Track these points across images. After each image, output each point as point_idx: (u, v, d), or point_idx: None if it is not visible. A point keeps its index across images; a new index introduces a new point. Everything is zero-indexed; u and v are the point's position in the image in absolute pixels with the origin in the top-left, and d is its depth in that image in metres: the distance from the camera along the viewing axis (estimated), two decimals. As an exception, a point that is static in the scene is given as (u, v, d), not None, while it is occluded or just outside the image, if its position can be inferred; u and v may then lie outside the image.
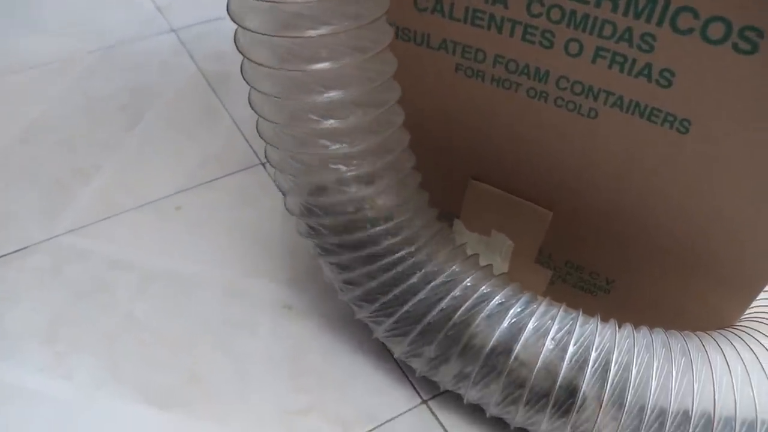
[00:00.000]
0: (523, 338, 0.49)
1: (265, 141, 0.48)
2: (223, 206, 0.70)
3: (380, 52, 0.44)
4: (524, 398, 0.50)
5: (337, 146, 0.46)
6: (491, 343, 0.48)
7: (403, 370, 0.58)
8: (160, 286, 0.63)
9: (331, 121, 0.44)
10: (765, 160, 0.46)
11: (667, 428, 0.49)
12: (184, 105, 0.81)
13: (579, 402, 0.49)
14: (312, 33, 0.39)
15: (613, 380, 0.49)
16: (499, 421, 0.55)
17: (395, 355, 0.54)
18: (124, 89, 0.83)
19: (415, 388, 0.57)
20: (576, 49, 0.48)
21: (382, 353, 0.59)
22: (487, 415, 0.53)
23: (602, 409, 0.49)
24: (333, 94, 0.43)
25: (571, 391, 0.49)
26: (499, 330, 0.48)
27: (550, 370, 0.49)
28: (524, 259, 0.62)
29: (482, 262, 0.55)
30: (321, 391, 0.57)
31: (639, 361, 0.50)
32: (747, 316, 0.57)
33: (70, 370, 0.57)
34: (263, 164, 0.74)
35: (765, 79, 0.43)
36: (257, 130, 0.47)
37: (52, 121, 0.78)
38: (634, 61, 0.46)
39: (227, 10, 0.41)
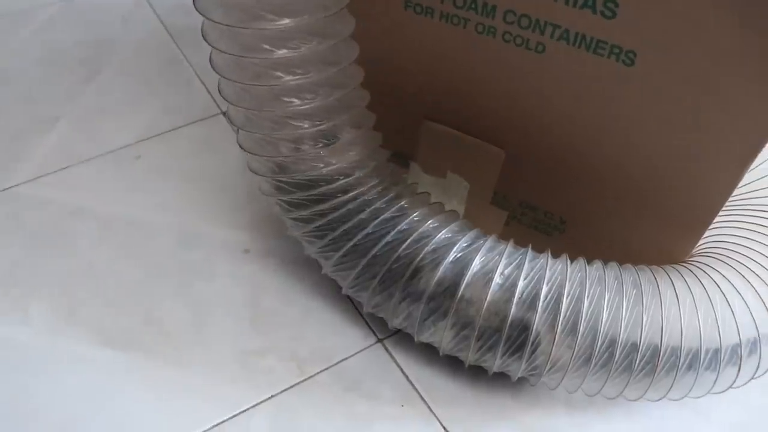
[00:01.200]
0: (469, 275, 0.49)
1: (219, 74, 0.47)
2: (183, 155, 0.70)
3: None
4: (474, 337, 0.51)
5: (290, 77, 0.45)
6: (436, 278, 0.49)
7: (358, 310, 0.59)
8: (119, 234, 0.63)
9: (284, 51, 0.44)
10: (710, 92, 0.47)
11: (616, 357, 0.50)
12: (146, 57, 0.80)
13: (532, 337, 0.50)
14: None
15: (566, 313, 0.49)
16: (454, 359, 0.56)
17: (343, 291, 0.55)
18: (84, 42, 0.82)
19: (370, 328, 0.58)
20: (519, -20, 0.47)
21: (338, 294, 0.59)
22: (440, 353, 0.54)
23: (556, 341, 0.50)
24: (285, 22, 0.43)
25: (522, 327, 0.50)
26: (444, 265, 0.49)
27: (500, 308, 0.49)
28: (480, 200, 0.62)
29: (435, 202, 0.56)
30: (277, 332, 0.57)
31: (591, 292, 0.50)
32: (698, 250, 0.58)
33: (28, 314, 0.57)
34: (224, 113, 0.74)
35: (708, 9, 0.43)
36: (211, 64, 0.46)
37: (11, 72, 0.78)
38: (578, -9, 0.46)
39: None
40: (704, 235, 0.58)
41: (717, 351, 0.50)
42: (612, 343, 0.50)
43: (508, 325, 0.50)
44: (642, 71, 0.48)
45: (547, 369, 0.51)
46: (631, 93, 0.49)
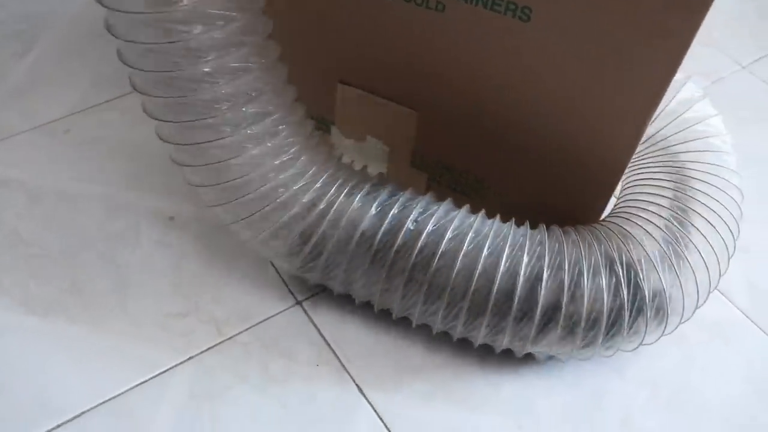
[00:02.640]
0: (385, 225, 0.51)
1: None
2: (112, 127, 0.71)
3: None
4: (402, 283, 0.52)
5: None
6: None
7: (279, 273, 0.60)
8: (46, 205, 0.64)
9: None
10: (605, 45, 0.47)
11: (513, 312, 0.51)
12: (80, 30, 0.80)
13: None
14: None
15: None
16: (369, 320, 0.58)
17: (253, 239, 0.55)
18: (18, 15, 0.82)
19: (289, 290, 0.59)
20: (413, -62, 0.48)
21: (259, 258, 0.61)
22: (376, 310, 0.56)
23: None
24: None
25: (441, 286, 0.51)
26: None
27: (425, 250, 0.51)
28: (400, 163, 0.63)
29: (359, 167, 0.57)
30: (199, 295, 0.59)
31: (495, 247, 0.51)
32: (615, 209, 0.59)
33: (-48, 285, 0.58)
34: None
35: None
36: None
37: (-55, 49, 0.78)
38: (469, -51, 0.46)
39: None
40: (623, 195, 0.59)
41: (621, 310, 0.52)
42: (509, 297, 0.51)
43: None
44: (538, 26, 0.48)
45: (463, 322, 0.52)
46: (530, 48, 0.50)
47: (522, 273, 0.51)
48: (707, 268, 0.54)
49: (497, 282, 0.50)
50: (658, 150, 0.59)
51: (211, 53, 0.45)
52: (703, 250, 0.54)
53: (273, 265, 0.60)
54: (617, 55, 0.47)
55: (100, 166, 0.67)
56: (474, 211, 0.55)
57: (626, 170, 0.61)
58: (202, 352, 0.55)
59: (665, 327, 0.54)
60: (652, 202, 0.56)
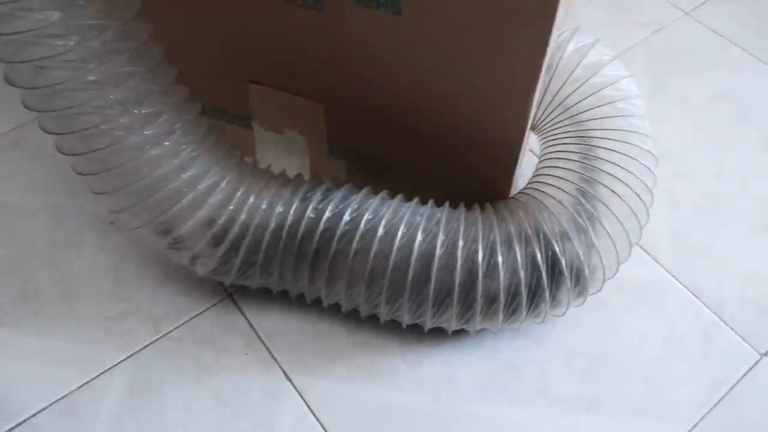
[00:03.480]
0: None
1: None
2: (57, 135, 0.74)
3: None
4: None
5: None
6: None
7: (211, 269, 0.64)
8: (-4, 218, 0.68)
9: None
10: (477, 32, 0.48)
11: (407, 287, 0.53)
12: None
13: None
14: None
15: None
16: (298, 308, 0.61)
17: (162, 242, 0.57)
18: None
19: (221, 284, 0.63)
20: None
21: (193, 255, 0.64)
22: (292, 299, 0.59)
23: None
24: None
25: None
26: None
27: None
28: (318, 152, 0.64)
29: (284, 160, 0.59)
30: (139, 296, 0.62)
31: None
32: (528, 185, 0.60)
33: None
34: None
35: None
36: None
37: None
38: (333, -51, 0.47)
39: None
40: (538, 167, 0.60)
41: (539, 281, 0.53)
42: (426, 279, 0.53)
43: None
44: (410, 18, 0.49)
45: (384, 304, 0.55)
46: (406, 39, 0.51)
47: (414, 250, 0.53)
48: (617, 238, 0.55)
49: (412, 264, 0.52)
50: (566, 119, 0.59)
51: (93, 62, 0.46)
52: (610, 222, 0.55)
53: (205, 261, 0.64)
54: (488, 35, 0.48)
55: (45, 176, 0.70)
56: (390, 194, 0.57)
57: (541, 142, 0.62)
58: (140, 350, 0.59)
59: (585, 294, 0.56)
60: (560, 177, 0.57)
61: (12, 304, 0.62)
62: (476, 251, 0.53)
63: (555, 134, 0.60)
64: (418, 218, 0.54)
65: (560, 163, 0.58)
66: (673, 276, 0.63)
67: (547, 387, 0.57)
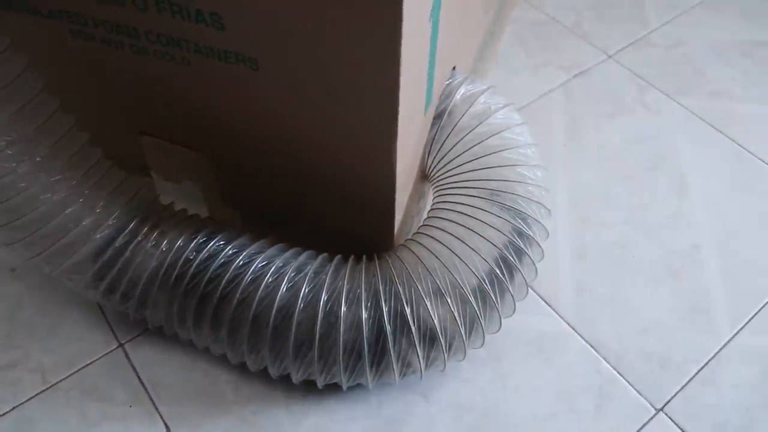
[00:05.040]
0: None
1: None
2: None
3: None
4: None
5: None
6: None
7: (105, 316, 0.63)
8: None
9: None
10: (328, 84, 0.48)
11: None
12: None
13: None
14: None
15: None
16: (189, 358, 0.60)
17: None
18: None
19: (113, 333, 0.62)
20: (141, 4, 0.49)
21: (90, 303, 0.64)
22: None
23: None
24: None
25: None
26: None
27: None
28: (213, 202, 0.64)
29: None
30: (29, 344, 0.62)
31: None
32: (405, 242, 0.59)
33: None
34: None
35: (303, 21, 0.44)
36: None
37: None
38: (187, 8, 0.47)
39: None
40: (423, 223, 0.59)
41: (384, 341, 0.52)
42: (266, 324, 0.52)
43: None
44: (268, 72, 0.49)
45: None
46: (266, 91, 0.51)
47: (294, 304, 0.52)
48: (485, 307, 0.54)
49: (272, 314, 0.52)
50: (452, 169, 0.58)
51: None
52: (484, 283, 0.54)
53: (101, 309, 0.63)
54: (340, 88, 0.48)
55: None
56: (271, 242, 0.56)
57: (433, 193, 0.61)
58: (25, 402, 0.59)
59: (446, 356, 0.55)
60: (441, 229, 0.56)
61: None
62: (317, 307, 0.52)
63: (443, 185, 0.59)
64: (287, 269, 0.53)
65: (443, 214, 0.57)
66: (572, 328, 0.62)
67: (430, 445, 0.56)
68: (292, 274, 0.53)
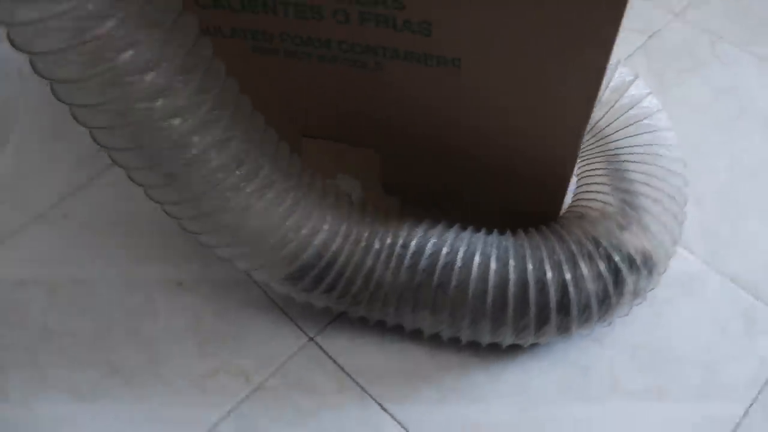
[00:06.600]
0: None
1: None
2: (105, 203, 0.76)
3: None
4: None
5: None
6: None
7: (288, 315, 0.67)
8: (65, 294, 0.70)
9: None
10: (532, 75, 0.52)
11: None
12: (49, 111, 0.84)
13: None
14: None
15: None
16: (377, 341, 0.65)
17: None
18: (-14, 107, 0.85)
19: (301, 329, 0.66)
20: (343, 17, 0.52)
21: (267, 304, 0.67)
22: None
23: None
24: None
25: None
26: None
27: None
28: (373, 192, 0.68)
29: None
30: (222, 351, 0.65)
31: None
32: (569, 209, 0.65)
33: (2, 390, 0.65)
34: (134, 153, 0.79)
35: (507, 14, 0.48)
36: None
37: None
38: (394, 18, 0.51)
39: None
40: (575, 193, 0.66)
41: (606, 291, 0.58)
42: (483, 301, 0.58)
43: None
44: (470, 70, 0.53)
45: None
46: (466, 89, 0.55)
47: (506, 278, 0.58)
48: (665, 238, 0.61)
49: (504, 289, 0.57)
50: (597, 141, 0.65)
51: (193, 136, 0.48)
52: (656, 225, 0.60)
53: (282, 308, 0.67)
54: (542, 81, 0.53)
55: (103, 246, 0.73)
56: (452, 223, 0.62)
57: (577, 166, 0.67)
58: (239, 404, 0.63)
59: (645, 294, 0.62)
60: (601, 192, 0.63)
61: (103, 377, 0.65)
62: (545, 272, 0.58)
63: (588, 156, 0.65)
64: (489, 248, 0.59)
65: (598, 180, 0.64)
66: (707, 265, 0.70)
67: (617, 383, 0.63)
68: (498, 252, 0.58)
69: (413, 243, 0.58)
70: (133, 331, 0.67)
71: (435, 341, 0.64)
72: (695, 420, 0.61)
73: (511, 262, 0.58)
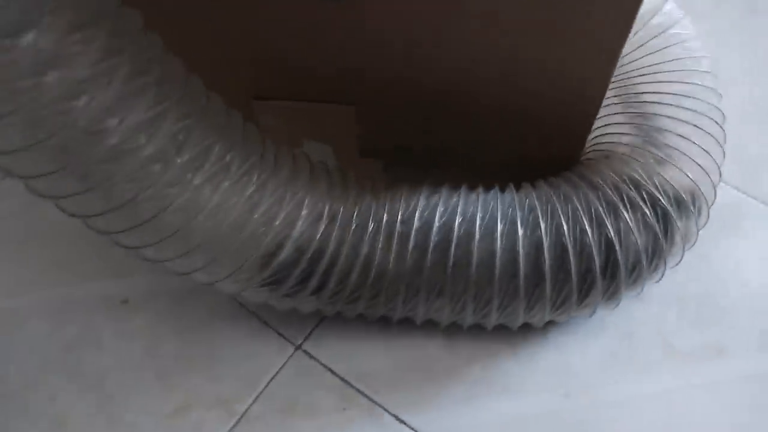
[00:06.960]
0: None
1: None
2: (10, 215, 0.61)
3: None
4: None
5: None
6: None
7: (265, 322, 0.55)
8: (-12, 334, 0.56)
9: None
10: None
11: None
12: None
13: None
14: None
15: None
16: (375, 339, 0.53)
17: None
18: None
19: (284, 338, 0.54)
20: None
21: (239, 314, 0.55)
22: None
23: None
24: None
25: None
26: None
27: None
28: (347, 156, 0.56)
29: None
30: (190, 379, 0.53)
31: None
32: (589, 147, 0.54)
33: None
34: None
35: None
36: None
37: None
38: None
39: None
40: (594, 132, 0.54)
41: (656, 241, 0.48)
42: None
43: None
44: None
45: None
46: (476, 18, 0.43)
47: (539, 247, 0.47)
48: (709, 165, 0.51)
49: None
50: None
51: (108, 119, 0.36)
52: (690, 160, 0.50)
53: (256, 315, 0.55)
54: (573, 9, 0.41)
55: (31, 270, 0.58)
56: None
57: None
58: (222, 443, 0.51)
59: (696, 236, 0.52)
60: (622, 133, 0.52)
61: (50, 435, 0.51)
62: (584, 230, 0.47)
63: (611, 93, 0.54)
64: (511, 210, 0.47)
65: (615, 110, 0.53)
66: (744, 193, 0.60)
67: (669, 345, 0.53)
68: (524, 213, 0.47)
69: (416, 216, 0.46)
70: (76, 369, 0.53)
71: (450, 330, 0.53)
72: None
73: (542, 225, 0.46)
